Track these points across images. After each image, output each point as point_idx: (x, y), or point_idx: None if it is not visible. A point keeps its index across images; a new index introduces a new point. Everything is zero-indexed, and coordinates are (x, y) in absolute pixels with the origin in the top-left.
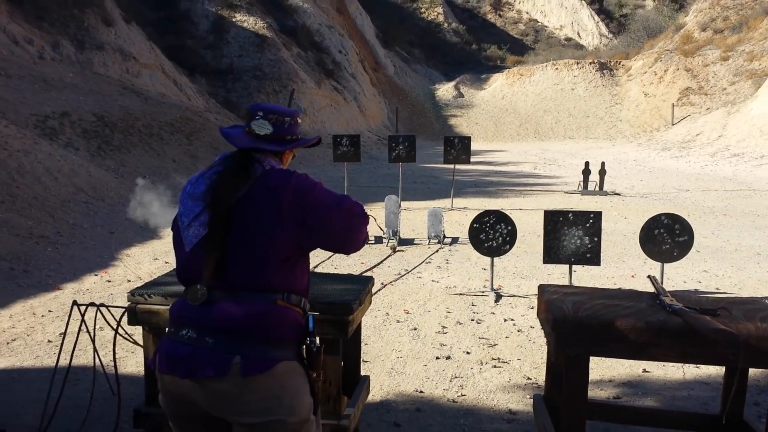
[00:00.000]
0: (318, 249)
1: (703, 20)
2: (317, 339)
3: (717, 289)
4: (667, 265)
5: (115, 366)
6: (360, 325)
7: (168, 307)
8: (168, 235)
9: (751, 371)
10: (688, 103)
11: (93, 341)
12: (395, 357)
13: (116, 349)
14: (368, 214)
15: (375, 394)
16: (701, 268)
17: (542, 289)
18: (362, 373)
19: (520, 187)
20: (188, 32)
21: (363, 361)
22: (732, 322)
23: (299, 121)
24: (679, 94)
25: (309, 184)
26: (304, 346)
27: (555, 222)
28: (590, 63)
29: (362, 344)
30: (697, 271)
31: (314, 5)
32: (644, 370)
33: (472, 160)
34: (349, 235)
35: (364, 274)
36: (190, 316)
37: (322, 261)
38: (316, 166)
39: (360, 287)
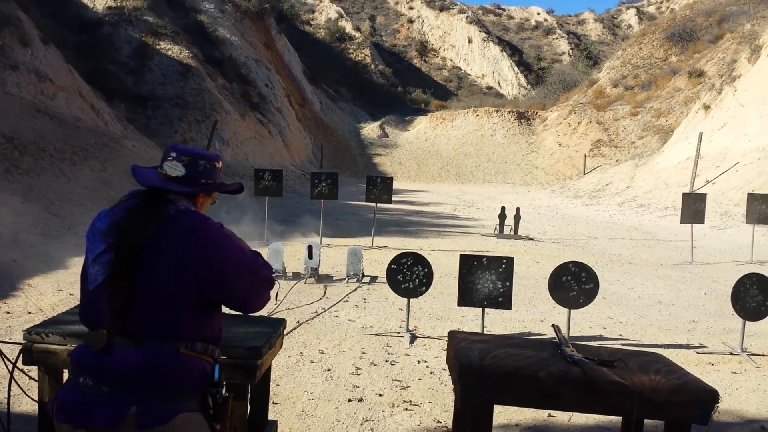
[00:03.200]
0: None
1: (615, 77)
2: (223, 389)
3: (620, 335)
4: (573, 311)
5: (8, 405)
6: (270, 368)
7: (66, 347)
8: (74, 265)
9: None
10: (599, 154)
11: None
12: (306, 399)
13: (12, 387)
14: (274, 278)
15: None
16: (606, 314)
17: (452, 335)
18: (271, 416)
19: (440, 228)
20: (110, 57)
21: (273, 403)
22: (628, 374)
23: (218, 166)
24: (591, 146)
25: (222, 234)
26: (209, 397)
27: (470, 266)
28: (509, 112)
29: (274, 385)
30: (603, 317)
31: (242, 38)
32: (549, 415)
33: (394, 198)
34: (251, 297)
35: (276, 316)
36: (88, 363)
37: None
38: (236, 199)
39: (270, 330)
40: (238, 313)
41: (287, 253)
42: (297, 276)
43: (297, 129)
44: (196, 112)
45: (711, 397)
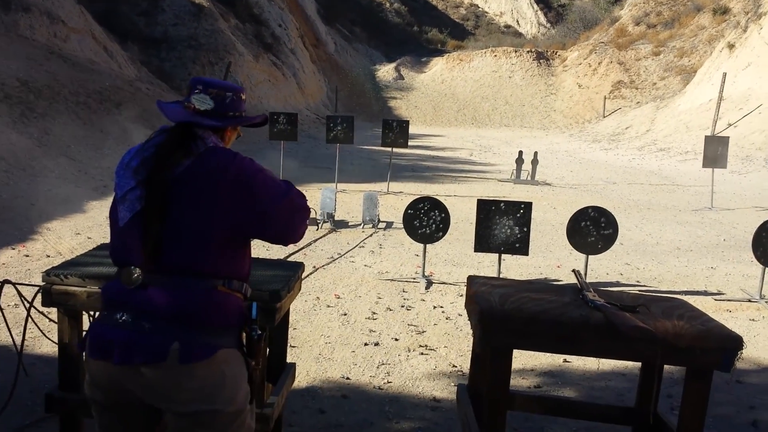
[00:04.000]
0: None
1: (637, 14)
2: (258, 327)
3: (638, 281)
4: (591, 257)
5: (21, 348)
6: (288, 311)
7: (86, 288)
8: (92, 209)
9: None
10: (620, 96)
11: (5, 319)
12: (323, 343)
13: (32, 329)
14: (309, 207)
15: (301, 380)
16: (624, 260)
17: (471, 280)
18: (289, 359)
19: (456, 173)
20: None
21: (290, 346)
22: (650, 319)
23: (243, 97)
24: (611, 87)
25: (253, 169)
26: (245, 334)
27: (487, 211)
28: (528, 52)
29: (291, 329)
30: (620, 263)
31: None
32: (565, 360)
33: (410, 143)
34: (290, 227)
35: (295, 259)
36: (124, 300)
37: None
38: (251, 143)
39: (289, 273)
40: (256, 256)
41: None
42: (313, 222)
43: (311, 71)
44: (210, 53)
45: (735, 343)
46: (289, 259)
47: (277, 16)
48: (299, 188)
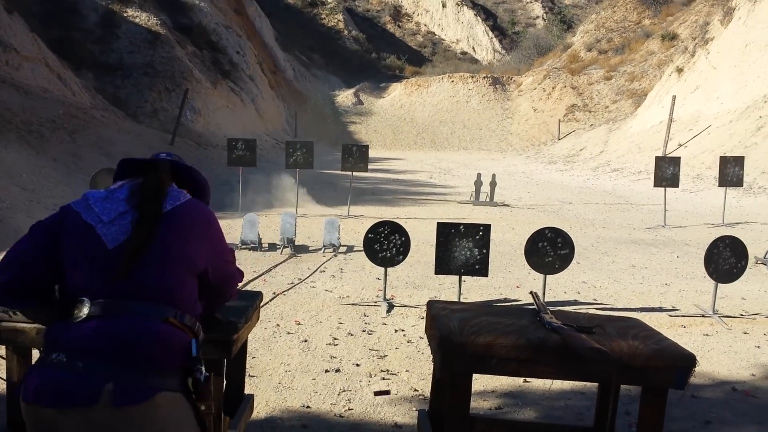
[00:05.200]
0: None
1: (589, 41)
2: (203, 367)
3: (595, 299)
4: (549, 276)
5: None
6: (246, 341)
7: (35, 325)
8: None
9: None
10: (574, 119)
11: None
12: (283, 371)
13: None
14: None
15: (260, 410)
16: (581, 279)
17: (430, 305)
18: (248, 389)
19: (416, 195)
20: (76, 25)
21: (249, 375)
22: (606, 340)
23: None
24: (565, 110)
25: (217, 223)
26: (191, 374)
27: (447, 234)
28: (484, 77)
29: (250, 358)
30: (577, 282)
31: (211, 4)
32: (525, 380)
33: (370, 167)
34: (232, 280)
35: (254, 286)
36: (62, 338)
37: None
38: (210, 170)
39: (247, 303)
40: None
41: (262, 224)
42: (273, 247)
43: (270, 97)
44: (166, 80)
45: (688, 361)
46: (246, 288)
47: (235, 43)
48: (253, 216)
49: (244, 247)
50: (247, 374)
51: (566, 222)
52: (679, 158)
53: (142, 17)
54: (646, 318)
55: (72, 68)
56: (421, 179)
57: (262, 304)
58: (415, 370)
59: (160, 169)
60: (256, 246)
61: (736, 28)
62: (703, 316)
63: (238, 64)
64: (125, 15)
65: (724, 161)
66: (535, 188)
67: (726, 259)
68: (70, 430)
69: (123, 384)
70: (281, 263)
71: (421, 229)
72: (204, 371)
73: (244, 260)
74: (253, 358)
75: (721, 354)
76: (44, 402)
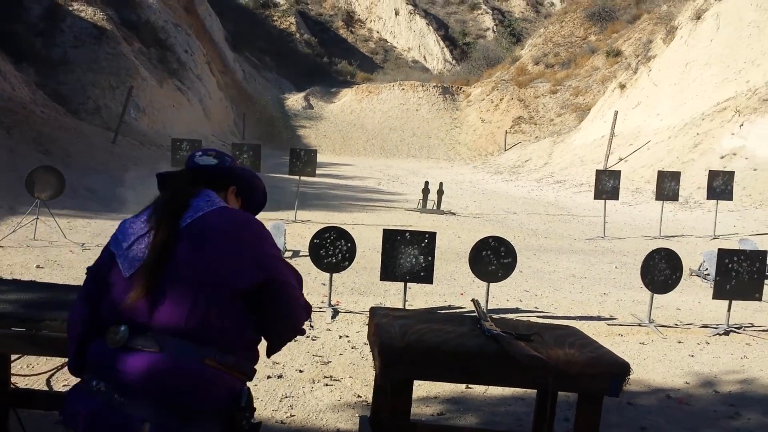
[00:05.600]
0: None
1: (536, 54)
2: (251, 415)
3: (536, 307)
4: (492, 284)
5: None
6: None
7: None
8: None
9: None
10: (520, 131)
11: None
12: None
13: None
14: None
15: None
16: (523, 287)
17: (373, 311)
18: None
19: (364, 202)
20: (17, 17)
21: None
22: (544, 347)
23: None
24: (512, 122)
25: (263, 231)
26: (236, 422)
27: (393, 241)
28: (434, 86)
29: None
30: (520, 290)
31: (160, 1)
32: (467, 387)
33: (319, 172)
34: (293, 307)
35: None
36: (104, 364)
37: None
38: (152, 170)
39: None
40: None
41: None
42: None
43: (218, 98)
44: (111, 77)
45: (622, 369)
46: None
47: (184, 42)
48: None
49: None
50: None
51: (510, 231)
52: (619, 172)
53: (88, 11)
54: (584, 326)
55: (12, 62)
56: (370, 186)
57: None
58: (358, 377)
59: (177, 177)
60: None
61: (677, 46)
62: (639, 325)
63: (186, 62)
64: (70, 9)
65: (662, 176)
66: (481, 197)
67: (661, 270)
68: None
69: (160, 426)
70: None
71: (368, 236)
72: (253, 419)
73: None
74: None
75: (657, 362)
76: (81, 430)
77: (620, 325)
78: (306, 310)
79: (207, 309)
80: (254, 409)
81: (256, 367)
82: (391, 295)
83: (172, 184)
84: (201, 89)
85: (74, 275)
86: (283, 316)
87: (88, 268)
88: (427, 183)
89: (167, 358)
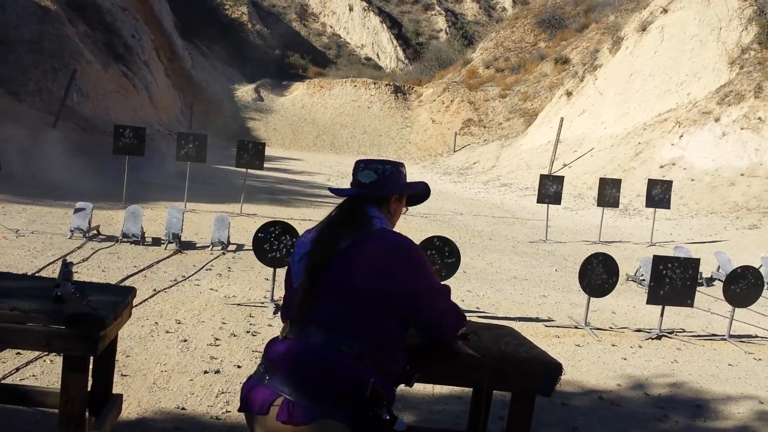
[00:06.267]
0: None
1: (487, 58)
2: (383, 410)
3: (477, 308)
4: None
5: None
6: (116, 339)
7: None
8: None
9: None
10: (469, 133)
11: None
12: (159, 371)
13: None
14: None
15: (131, 411)
16: (466, 287)
17: None
18: (120, 389)
19: (313, 197)
20: None
21: (121, 375)
22: (480, 346)
23: (403, 171)
24: (462, 124)
25: (418, 254)
26: (364, 413)
27: None
28: (386, 85)
29: (123, 356)
30: (462, 290)
31: None
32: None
33: (267, 166)
34: (444, 321)
35: (134, 282)
36: (266, 352)
37: (83, 259)
38: (94, 156)
39: (117, 299)
40: (86, 280)
41: (148, 217)
42: (157, 242)
43: (165, 85)
44: (54, 59)
45: (555, 369)
46: (124, 283)
47: (131, 26)
48: (137, 208)
49: (125, 240)
50: (118, 373)
51: (456, 232)
52: (562, 177)
53: None
54: (523, 327)
55: None
56: (319, 181)
57: (139, 301)
58: None
59: (344, 200)
60: (139, 240)
61: (623, 57)
62: (576, 327)
63: (132, 48)
64: None
65: (603, 183)
66: (429, 197)
67: (599, 275)
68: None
69: (291, 402)
70: (164, 259)
71: None
72: (385, 414)
73: (125, 254)
74: (127, 356)
75: (591, 364)
76: (241, 407)
77: (557, 327)
78: (458, 317)
79: (349, 311)
80: (384, 404)
81: None
82: None
83: (340, 209)
84: (148, 76)
85: (7, 262)
86: (434, 332)
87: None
88: None
89: (305, 343)
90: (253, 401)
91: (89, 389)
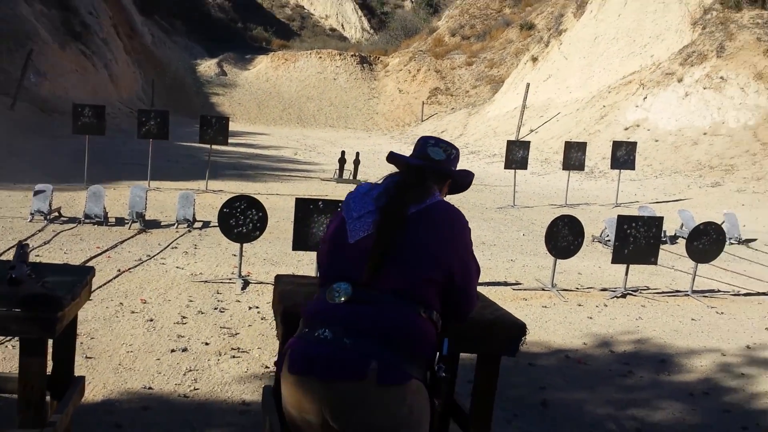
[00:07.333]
0: None
1: (453, 26)
2: (444, 366)
3: None
4: None
5: None
6: (76, 320)
7: None
8: None
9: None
10: (436, 102)
11: None
12: (125, 351)
13: None
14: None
15: (97, 393)
16: None
17: (278, 279)
18: (84, 371)
19: (280, 171)
20: None
21: (86, 357)
22: None
23: (458, 156)
24: (429, 93)
25: (467, 227)
26: (432, 371)
27: (306, 210)
28: (352, 55)
29: (88, 338)
30: None
31: None
32: None
33: (233, 141)
34: (474, 291)
35: (98, 262)
36: (328, 316)
37: (45, 242)
38: (53, 137)
39: (75, 279)
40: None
41: (111, 197)
42: (121, 222)
43: (125, 63)
44: (9, 40)
45: (519, 330)
46: (89, 264)
47: (88, 3)
48: (99, 188)
49: (87, 221)
50: (82, 356)
51: None
52: (528, 142)
53: None
54: (491, 291)
55: None
56: (286, 155)
57: (103, 282)
58: (267, 348)
59: (411, 169)
60: (102, 220)
61: (587, 21)
62: (543, 289)
63: (90, 25)
64: None
65: (569, 146)
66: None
67: (564, 236)
68: (329, 401)
69: (386, 364)
70: (129, 239)
71: (282, 206)
72: (444, 370)
73: (88, 235)
74: (92, 338)
75: (557, 324)
76: (316, 374)
77: (525, 290)
78: (476, 297)
79: (416, 279)
80: (447, 362)
81: None
82: (304, 264)
83: (407, 176)
84: (107, 54)
85: None
86: (460, 302)
87: (327, 228)
88: (343, 153)
89: (391, 309)
90: (340, 367)
91: (50, 373)
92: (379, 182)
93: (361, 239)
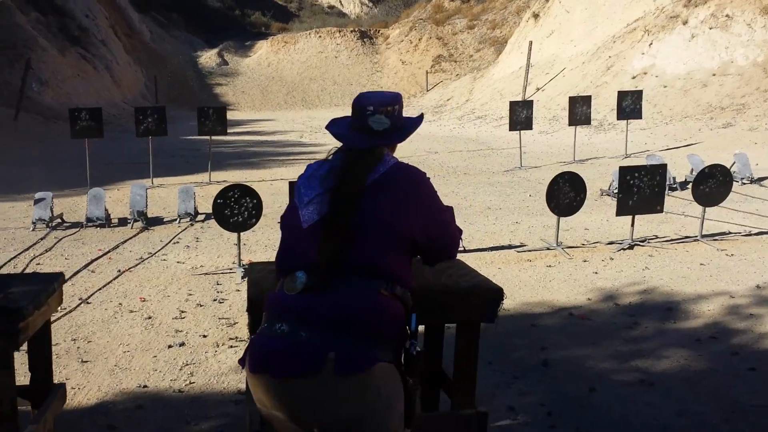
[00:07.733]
0: None
1: None
2: (416, 341)
3: None
4: None
5: None
6: (49, 327)
7: None
8: None
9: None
10: (441, 70)
11: None
12: (122, 352)
13: None
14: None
15: (91, 397)
16: None
17: (251, 267)
18: (79, 375)
19: (285, 156)
20: None
21: (82, 362)
22: (422, 280)
23: (402, 103)
24: (432, 62)
25: (431, 185)
26: (403, 349)
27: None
28: (351, 31)
29: (85, 343)
30: None
31: None
32: None
33: (238, 130)
34: (453, 240)
35: (99, 265)
36: (285, 308)
37: (47, 250)
38: (58, 144)
39: (39, 287)
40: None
41: (115, 198)
42: (124, 222)
43: (126, 62)
44: (8, 51)
45: (497, 294)
46: (88, 268)
47: (84, 6)
48: (99, 191)
49: (89, 225)
50: (79, 360)
51: (431, 171)
52: (531, 102)
53: None
54: (495, 256)
55: None
56: (292, 139)
57: (103, 284)
58: None
59: (358, 154)
60: (104, 223)
61: None
62: (547, 249)
63: (88, 28)
64: None
65: (573, 101)
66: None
67: (566, 194)
68: (292, 398)
69: (344, 353)
70: (131, 238)
71: (286, 190)
72: (417, 346)
73: (90, 239)
74: (89, 342)
75: (561, 283)
76: (271, 372)
77: (529, 251)
78: (459, 232)
79: (379, 253)
80: (416, 335)
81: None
82: None
83: (351, 158)
84: (107, 55)
85: None
86: (443, 255)
87: (281, 217)
88: None
89: (346, 293)
90: (295, 362)
91: (29, 383)
92: (329, 157)
93: (314, 224)
